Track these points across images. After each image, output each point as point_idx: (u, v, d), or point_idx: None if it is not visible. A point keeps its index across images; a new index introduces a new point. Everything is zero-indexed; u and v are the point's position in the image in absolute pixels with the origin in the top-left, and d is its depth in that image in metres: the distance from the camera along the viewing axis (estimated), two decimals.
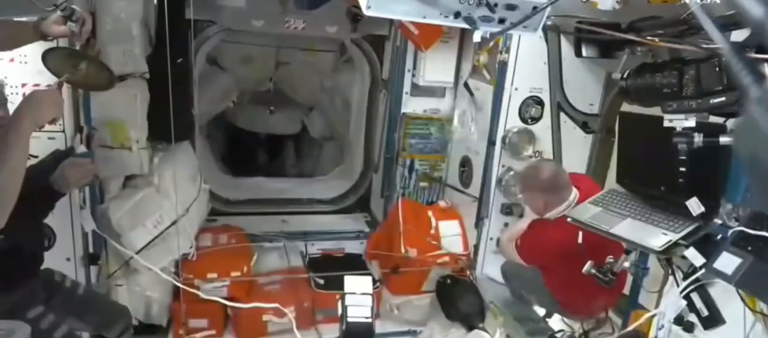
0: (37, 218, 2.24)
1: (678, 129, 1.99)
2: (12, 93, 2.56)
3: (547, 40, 3.21)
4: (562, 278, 2.89)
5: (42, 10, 1.99)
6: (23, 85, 2.58)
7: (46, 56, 2.23)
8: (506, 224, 3.52)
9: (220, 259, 3.45)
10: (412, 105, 4.06)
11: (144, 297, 3.16)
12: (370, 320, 1.68)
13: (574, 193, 2.77)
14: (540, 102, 3.37)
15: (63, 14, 1.94)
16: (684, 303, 2.16)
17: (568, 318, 3.26)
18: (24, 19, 2.07)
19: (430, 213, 3.86)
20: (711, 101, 1.88)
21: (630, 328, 2.51)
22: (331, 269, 3.66)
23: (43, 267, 2.35)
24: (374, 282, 3.72)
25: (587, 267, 2.53)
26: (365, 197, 4.82)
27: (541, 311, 3.34)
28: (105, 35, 2.69)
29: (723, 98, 1.84)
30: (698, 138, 1.93)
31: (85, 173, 2.25)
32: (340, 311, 1.74)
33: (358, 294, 1.72)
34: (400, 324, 3.74)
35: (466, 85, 3.72)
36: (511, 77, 3.27)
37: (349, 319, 1.66)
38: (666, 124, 2.04)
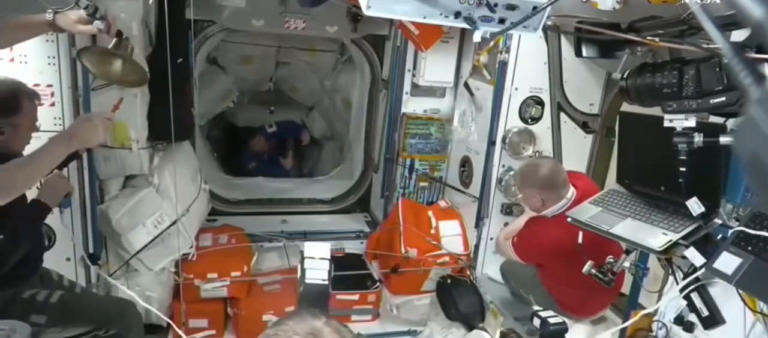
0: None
1: (678, 129, 1.99)
2: None
3: (547, 40, 3.21)
4: (560, 276, 2.89)
5: (49, 8, 1.98)
6: None
7: (81, 55, 2.27)
8: (506, 224, 3.51)
9: (220, 259, 3.44)
10: (412, 105, 4.06)
11: (144, 297, 3.15)
12: (326, 282, 1.80)
13: (572, 191, 2.77)
14: (540, 102, 3.37)
15: (87, 12, 1.93)
16: (684, 303, 2.17)
17: (567, 317, 3.25)
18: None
19: (430, 213, 3.86)
20: (711, 101, 1.88)
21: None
22: None
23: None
24: (374, 281, 3.76)
25: (587, 267, 2.53)
26: (365, 197, 4.82)
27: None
28: (104, 38, 2.69)
29: (723, 98, 1.84)
30: (698, 138, 1.93)
31: (66, 184, 2.34)
32: (299, 274, 1.86)
33: (316, 258, 1.84)
34: (400, 324, 3.73)
35: (466, 85, 3.72)
36: (511, 77, 3.27)
37: (307, 281, 1.79)
38: (666, 124, 2.03)
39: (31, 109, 2.13)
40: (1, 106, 2.02)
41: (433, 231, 3.73)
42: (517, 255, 2.94)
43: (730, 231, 1.95)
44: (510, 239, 2.98)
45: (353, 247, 4.19)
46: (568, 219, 2.55)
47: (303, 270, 1.82)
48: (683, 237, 2.12)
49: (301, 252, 1.87)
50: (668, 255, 2.20)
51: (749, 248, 1.84)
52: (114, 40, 2.14)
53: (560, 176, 2.74)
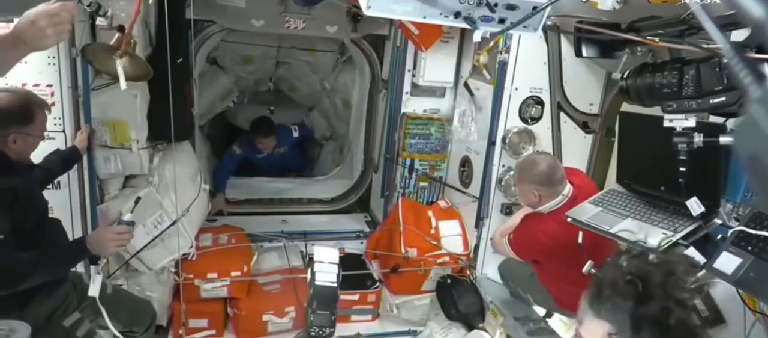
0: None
1: (678, 129, 2.00)
2: None
3: (547, 40, 3.21)
4: (557, 273, 2.88)
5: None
6: (23, 85, 2.58)
7: (85, 52, 2.27)
8: None
9: (220, 259, 3.44)
10: (412, 105, 4.06)
11: (144, 297, 3.15)
12: (335, 285, 1.92)
13: (569, 188, 2.77)
14: (540, 102, 3.37)
15: (89, 10, 1.94)
16: None
17: (566, 316, 3.25)
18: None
19: (430, 213, 3.86)
20: (711, 101, 1.88)
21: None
22: None
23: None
24: (374, 281, 3.76)
25: (587, 267, 2.52)
26: (365, 197, 4.82)
27: (541, 311, 3.34)
28: (104, 35, 2.69)
29: (723, 98, 1.84)
30: (698, 138, 1.94)
31: (122, 240, 2.20)
32: (309, 276, 1.97)
33: (326, 262, 1.96)
34: (400, 324, 3.73)
35: (466, 85, 3.72)
36: (511, 77, 3.27)
37: (317, 283, 1.91)
38: (666, 124, 2.04)
39: (42, 119, 2.17)
40: (16, 117, 2.05)
41: (433, 231, 3.73)
42: (514, 252, 2.92)
43: (730, 231, 1.95)
44: (506, 237, 2.97)
45: (353, 247, 4.19)
46: (568, 220, 2.55)
47: (312, 273, 1.93)
48: (683, 237, 2.12)
49: (311, 257, 1.98)
50: None
51: (749, 248, 1.84)
52: (116, 35, 2.15)
53: (557, 173, 2.73)
